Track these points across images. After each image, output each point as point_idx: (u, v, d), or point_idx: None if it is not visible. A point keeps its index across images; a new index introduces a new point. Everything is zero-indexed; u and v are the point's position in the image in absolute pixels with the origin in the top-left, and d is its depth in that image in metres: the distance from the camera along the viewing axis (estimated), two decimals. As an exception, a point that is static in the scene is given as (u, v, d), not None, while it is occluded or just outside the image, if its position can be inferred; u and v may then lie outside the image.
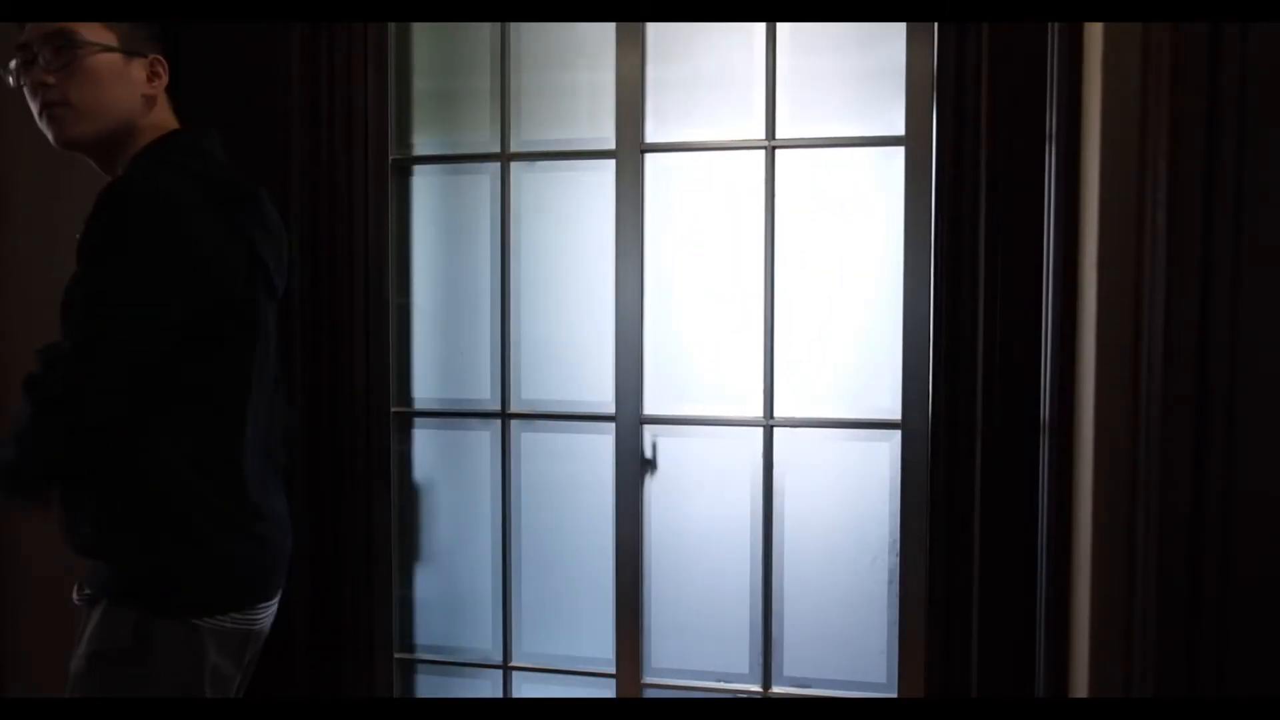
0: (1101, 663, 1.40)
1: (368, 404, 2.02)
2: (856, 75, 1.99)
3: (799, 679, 2.07)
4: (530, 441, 2.15)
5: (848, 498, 2.04)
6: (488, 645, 2.19)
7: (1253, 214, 1.07)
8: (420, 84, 2.17)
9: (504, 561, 2.16)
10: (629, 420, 2.04)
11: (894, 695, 1.97)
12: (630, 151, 2.02)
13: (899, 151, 1.91)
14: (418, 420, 2.21)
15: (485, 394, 2.17)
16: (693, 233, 2.08)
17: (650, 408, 2.06)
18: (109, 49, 1.34)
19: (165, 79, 1.42)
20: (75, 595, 1.42)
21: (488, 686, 2.20)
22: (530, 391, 2.15)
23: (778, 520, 2.04)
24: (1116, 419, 1.33)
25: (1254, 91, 1.07)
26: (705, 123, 2.07)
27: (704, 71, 2.06)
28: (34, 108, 1.37)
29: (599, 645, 2.12)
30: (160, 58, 1.41)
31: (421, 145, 2.18)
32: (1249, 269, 1.08)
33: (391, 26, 2.07)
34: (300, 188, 1.93)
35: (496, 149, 2.12)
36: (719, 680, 2.10)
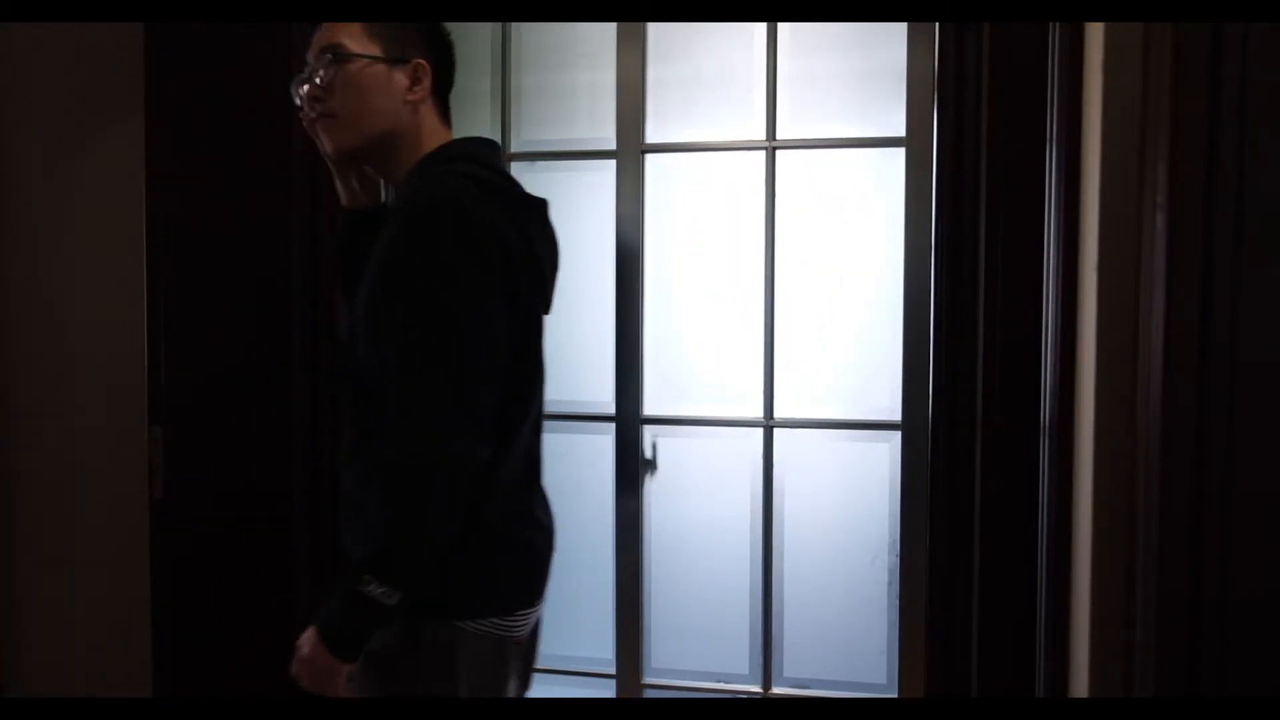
0: (1101, 663, 1.40)
1: (368, 404, 2.02)
2: (857, 75, 1.99)
3: (799, 679, 2.07)
4: (530, 441, 2.15)
5: (848, 498, 2.05)
6: (488, 645, 2.19)
7: (1253, 214, 1.07)
8: (420, 84, 2.17)
9: (504, 561, 2.15)
10: (629, 420, 2.04)
11: (894, 695, 1.97)
12: (631, 152, 2.02)
13: (899, 151, 1.91)
14: (418, 420, 2.20)
15: (485, 394, 2.17)
16: (693, 233, 2.08)
17: (650, 408, 2.06)
18: (374, 59, 1.34)
19: (428, 83, 1.38)
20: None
21: (488, 686, 2.20)
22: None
23: (778, 521, 2.04)
24: (1116, 419, 1.33)
25: (1254, 91, 1.07)
26: (706, 123, 2.07)
27: (704, 71, 2.06)
28: (307, 123, 1.39)
29: (599, 645, 2.12)
30: (423, 61, 1.37)
31: (422, 145, 2.18)
32: (1249, 269, 1.08)
33: (392, 26, 2.07)
34: (300, 188, 1.93)
35: (497, 149, 2.12)
36: (719, 680, 2.10)
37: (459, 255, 1.24)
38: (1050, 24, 1.61)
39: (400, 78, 1.36)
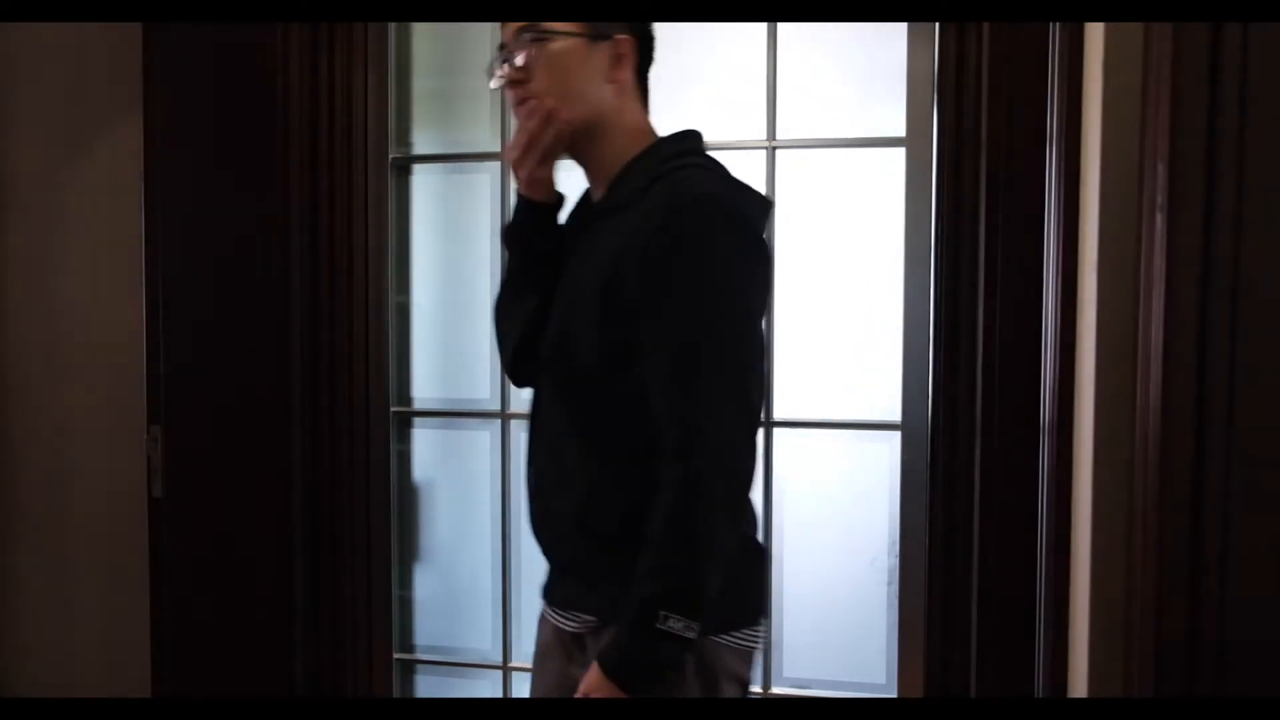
0: (1101, 663, 1.40)
1: (367, 404, 2.02)
2: (857, 75, 1.99)
3: (799, 679, 2.06)
4: (530, 441, 2.15)
5: (848, 498, 2.04)
6: (487, 645, 2.19)
7: (1252, 215, 1.07)
8: (420, 84, 2.17)
9: (504, 561, 2.15)
10: (629, 420, 2.04)
11: (893, 695, 1.97)
12: (630, 151, 2.01)
13: (899, 151, 1.90)
14: (417, 420, 2.20)
15: (485, 394, 2.17)
16: (693, 233, 2.07)
17: (650, 408, 2.06)
18: (571, 35, 1.25)
19: (632, 62, 1.30)
20: (565, 623, 1.33)
21: (487, 686, 2.20)
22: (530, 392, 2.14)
23: (778, 521, 2.04)
24: (1116, 419, 1.33)
25: (1254, 92, 1.07)
26: (705, 123, 2.06)
27: (704, 71, 2.06)
28: (512, 107, 1.32)
29: (599, 645, 2.12)
30: (628, 37, 1.29)
31: (421, 144, 2.18)
32: (1249, 269, 1.08)
33: (391, 26, 2.07)
34: (300, 187, 1.93)
35: (496, 148, 2.12)
36: (719, 680, 2.10)
37: (738, 256, 1.19)
38: (1050, 24, 1.61)
39: (600, 56, 1.28)
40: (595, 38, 1.27)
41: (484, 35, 2.13)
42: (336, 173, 1.97)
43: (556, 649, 1.36)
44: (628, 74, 1.31)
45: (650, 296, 1.19)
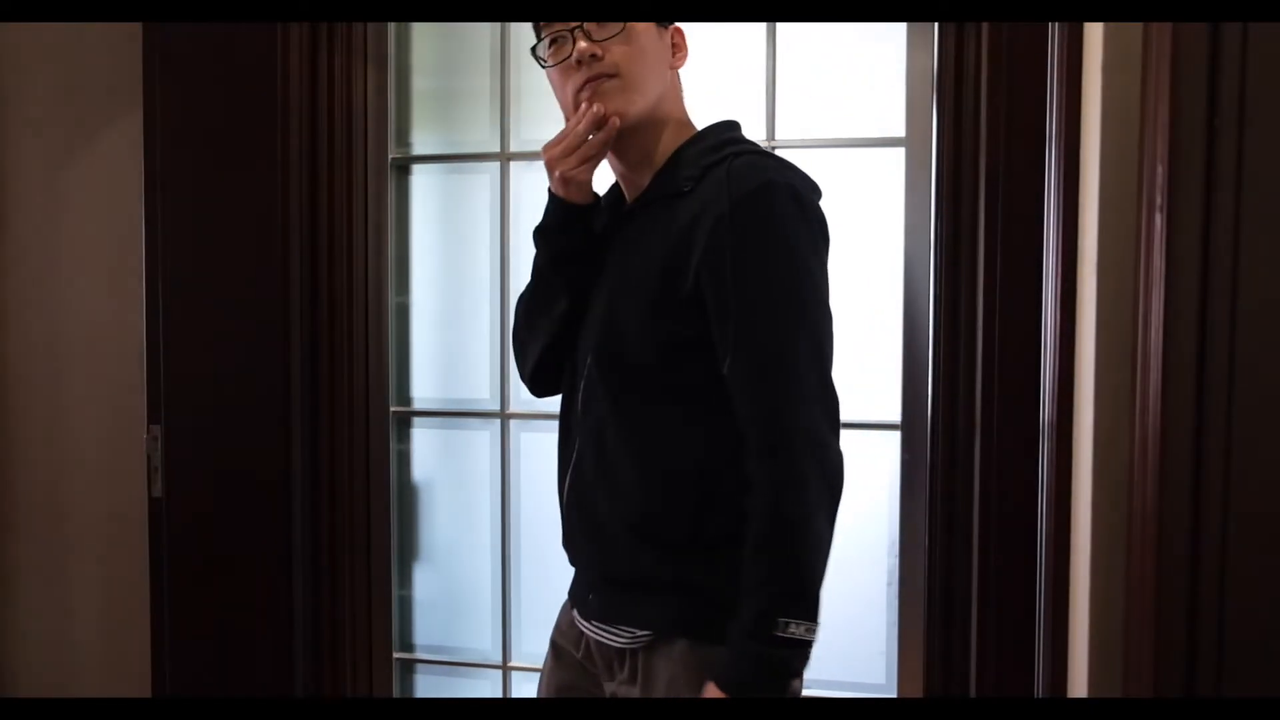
0: (1101, 663, 1.40)
1: (367, 404, 2.02)
2: (857, 75, 1.99)
3: (799, 679, 2.06)
4: (530, 441, 2.15)
5: (847, 498, 2.04)
6: (487, 645, 2.19)
7: (1252, 216, 1.07)
8: (420, 84, 2.17)
9: (504, 561, 2.15)
10: (629, 420, 2.04)
11: (894, 695, 1.97)
12: (630, 151, 2.01)
13: (899, 151, 1.90)
14: (417, 420, 2.20)
15: (485, 394, 2.17)
16: (692, 233, 2.07)
17: (650, 408, 2.06)
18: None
19: (686, 52, 1.28)
20: (610, 638, 1.27)
21: (487, 686, 2.20)
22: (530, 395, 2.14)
23: (777, 520, 2.03)
24: (1116, 419, 1.33)
25: (1253, 92, 1.06)
26: (704, 123, 2.06)
27: (703, 71, 2.06)
28: (570, 86, 1.24)
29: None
30: (680, 28, 1.27)
31: (421, 145, 2.18)
32: (1248, 269, 1.08)
33: (391, 26, 2.07)
34: (300, 187, 1.93)
35: (496, 149, 2.12)
36: (719, 680, 2.10)
37: (810, 242, 1.17)
38: (1050, 24, 1.61)
39: (665, 41, 1.26)
40: (662, 25, 1.26)
41: (484, 35, 2.13)
42: (336, 173, 1.97)
43: (592, 664, 1.31)
44: (682, 63, 1.30)
45: (723, 287, 1.15)
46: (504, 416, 2.14)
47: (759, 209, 1.15)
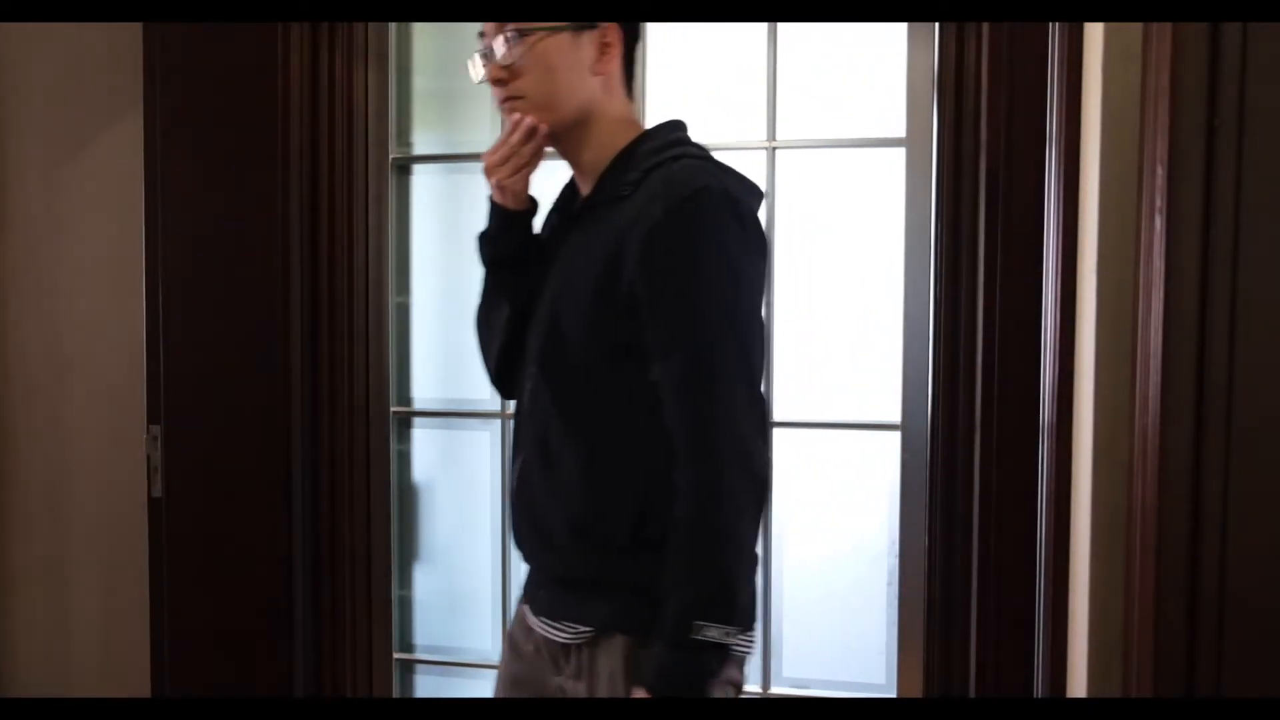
0: (1100, 663, 1.40)
1: (367, 404, 2.02)
2: (857, 75, 1.99)
3: (798, 679, 2.07)
4: (530, 441, 2.15)
5: (848, 498, 2.04)
6: (487, 645, 2.20)
7: (1251, 217, 1.07)
8: (420, 84, 2.17)
9: (504, 561, 2.16)
10: (629, 420, 2.04)
11: (894, 695, 1.97)
12: (630, 151, 2.01)
13: (899, 151, 1.90)
14: (417, 420, 2.21)
15: (485, 394, 2.17)
16: (692, 233, 2.07)
17: (650, 408, 2.06)
18: (556, 28, 1.21)
19: (618, 50, 1.25)
20: (555, 634, 1.27)
21: (487, 686, 2.20)
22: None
23: (778, 521, 2.04)
24: (1115, 419, 1.33)
25: (1253, 92, 1.07)
26: (705, 123, 2.07)
27: (703, 71, 2.06)
28: (497, 104, 1.29)
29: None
30: (613, 25, 1.24)
31: (421, 144, 2.18)
32: (1247, 271, 1.08)
33: (391, 26, 2.07)
34: (300, 187, 1.93)
35: (496, 149, 2.12)
36: (718, 680, 2.10)
37: (744, 250, 1.18)
38: (1050, 24, 1.61)
39: (587, 47, 1.24)
40: (580, 28, 1.24)
41: (484, 35, 2.13)
42: (336, 173, 1.97)
43: (541, 658, 1.32)
44: (615, 64, 1.27)
45: (655, 293, 1.16)
46: (504, 417, 2.14)
47: (691, 215, 1.16)
